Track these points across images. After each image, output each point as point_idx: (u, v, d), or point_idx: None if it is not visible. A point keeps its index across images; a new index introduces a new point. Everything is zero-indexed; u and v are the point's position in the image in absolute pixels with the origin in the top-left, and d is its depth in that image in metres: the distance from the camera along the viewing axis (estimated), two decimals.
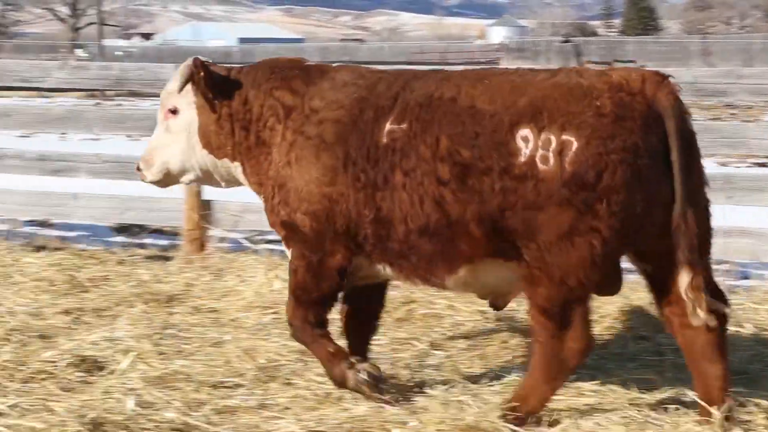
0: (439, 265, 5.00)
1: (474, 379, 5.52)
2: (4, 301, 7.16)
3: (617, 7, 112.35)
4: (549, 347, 4.83)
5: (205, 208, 9.02)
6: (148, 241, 9.93)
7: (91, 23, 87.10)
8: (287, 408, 5.25)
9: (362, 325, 5.54)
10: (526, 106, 4.76)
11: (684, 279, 4.69)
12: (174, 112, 5.53)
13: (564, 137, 4.67)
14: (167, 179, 5.67)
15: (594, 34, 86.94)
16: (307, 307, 5.27)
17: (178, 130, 5.53)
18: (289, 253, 5.34)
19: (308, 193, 5.14)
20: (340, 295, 5.34)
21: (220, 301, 7.36)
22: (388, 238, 5.04)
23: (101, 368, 5.67)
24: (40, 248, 9.09)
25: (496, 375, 5.45)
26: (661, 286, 4.92)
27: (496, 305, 5.44)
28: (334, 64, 5.47)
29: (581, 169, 4.64)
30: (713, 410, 4.82)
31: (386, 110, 5.06)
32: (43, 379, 5.52)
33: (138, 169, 5.68)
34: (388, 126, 5.02)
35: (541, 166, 4.69)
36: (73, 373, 5.60)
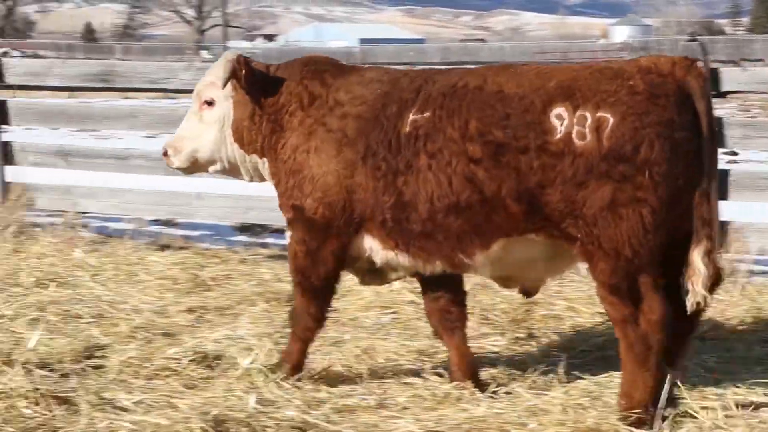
0: (472, 241, 5.16)
1: (595, 381, 5.44)
2: (130, 299, 7.30)
3: (745, 5, 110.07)
4: (630, 328, 4.91)
5: None
6: (269, 240, 10.03)
7: (216, 25, 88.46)
8: (406, 408, 5.26)
9: (447, 320, 5.62)
10: (556, 87, 4.98)
11: (699, 250, 4.87)
12: (210, 103, 5.71)
13: (600, 114, 4.87)
14: (193, 167, 5.87)
15: (721, 32, 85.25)
16: (310, 297, 5.54)
17: (211, 122, 5.70)
18: (288, 235, 5.58)
19: (324, 183, 5.38)
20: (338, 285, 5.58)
21: (339, 301, 7.40)
22: (409, 220, 5.23)
23: (224, 366, 5.73)
24: (164, 247, 9.25)
25: (618, 378, 5.36)
26: (680, 260, 5.00)
27: (527, 292, 5.59)
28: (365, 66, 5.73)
29: (618, 143, 4.83)
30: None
31: (409, 103, 5.29)
32: (167, 376, 5.60)
33: (165, 154, 5.84)
34: (411, 117, 5.25)
35: (578, 142, 4.88)
36: (196, 370, 5.67)
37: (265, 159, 5.67)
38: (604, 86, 4.92)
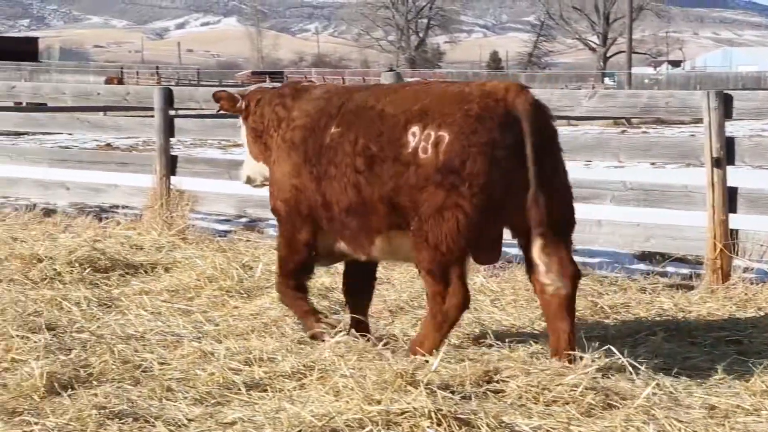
0: (362, 238, 6.26)
1: None
2: (528, 325, 7.35)
3: None
4: (436, 302, 5.98)
5: (730, 237, 8.79)
6: (670, 269, 9.83)
7: (620, 52, 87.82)
8: None
9: (358, 294, 6.79)
10: (417, 108, 5.95)
11: (536, 247, 5.90)
12: (240, 127, 7.00)
13: (440, 132, 5.81)
14: (249, 182, 7.13)
15: None
16: (287, 276, 6.67)
17: (242, 141, 7.02)
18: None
19: (282, 184, 6.54)
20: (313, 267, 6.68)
21: (743, 333, 7.12)
22: (331, 218, 6.33)
23: (622, 395, 5.64)
24: None
25: None
26: (529, 256, 6.00)
27: None
28: (317, 84, 6.94)
29: (450, 157, 5.76)
30: (564, 357, 5.96)
31: (333, 117, 6.32)
32: (565, 403, 5.58)
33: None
34: (332, 130, 6.28)
35: (422, 155, 5.84)
36: (595, 399, 5.60)
37: (267, 166, 6.80)
38: (447, 109, 5.85)
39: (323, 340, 6.49)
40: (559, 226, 5.91)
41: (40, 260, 8.91)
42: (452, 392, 5.53)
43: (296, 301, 6.72)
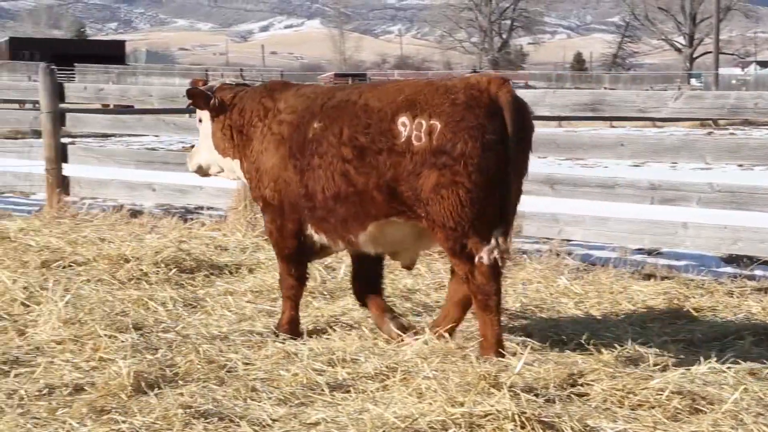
0: (352, 224, 6.54)
1: None
2: (612, 328, 7.29)
3: None
4: (470, 283, 6.24)
5: None
6: (758, 272, 9.67)
7: (707, 52, 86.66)
8: None
9: (366, 287, 7.08)
10: (403, 100, 6.30)
11: (500, 240, 6.18)
12: (200, 121, 7.42)
13: (432, 122, 6.17)
14: (201, 171, 7.60)
15: None
16: (288, 262, 7.06)
17: (203, 136, 7.43)
18: (263, 219, 7.17)
19: (272, 174, 6.90)
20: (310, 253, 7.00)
21: None
22: (314, 207, 6.68)
23: (709, 400, 5.56)
24: (648, 276, 9.17)
25: None
26: None
27: (407, 266, 7.07)
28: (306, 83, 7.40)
29: (442, 142, 6.12)
30: (444, 334, 6.51)
31: (316, 114, 6.70)
32: (651, 407, 5.52)
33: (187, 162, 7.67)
34: (314, 124, 6.66)
35: (416, 143, 6.20)
36: (681, 403, 5.53)
37: (236, 160, 7.24)
38: (435, 100, 6.22)
39: (296, 333, 6.95)
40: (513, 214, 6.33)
41: (127, 261, 9.04)
42: (536, 395, 5.50)
43: (291, 295, 7.09)
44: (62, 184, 13.13)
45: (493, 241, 6.16)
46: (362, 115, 6.42)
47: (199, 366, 6.17)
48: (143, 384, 5.76)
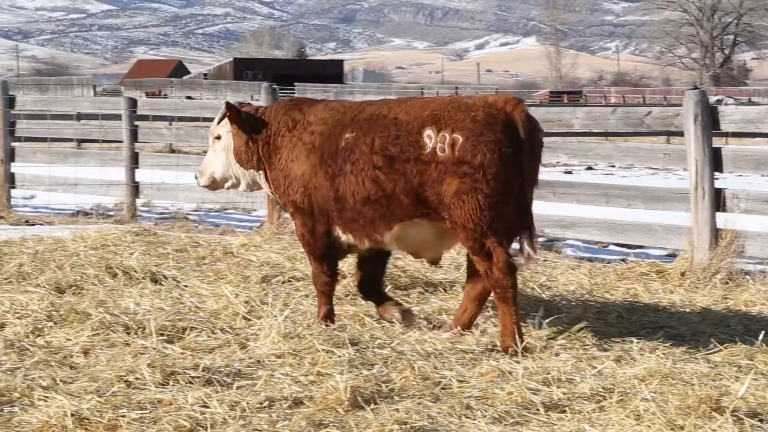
0: (379, 224, 7.30)
1: None
2: None
3: None
4: (489, 278, 7.05)
5: None
6: None
7: None
8: None
9: (371, 284, 7.90)
10: (429, 115, 7.15)
11: (525, 243, 7.10)
12: (218, 138, 8.00)
13: (454, 135, 7.02)
14: (213, 185, 8.22)
15: None
16: (320, 261, 7.68)
17: (220, 150, 8.01)
18: (294, 223, 7.85)
19: (302, 181, 7.57)
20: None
21: None
22: (344, 209, 7.39)
23: None
24: None
25: None
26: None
27: (433, 261, 8.06)
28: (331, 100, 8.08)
29: (464, 154, 6.97)
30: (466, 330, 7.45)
31: (347, 125, 7.44)
32: None
33: (196, 177, 8.23)
34: (346, 135, 7.39)
35: (440, 154, 7.04)
36: None
37: (260, 171, 7.88)
38: (457, 116, 7.06)
39: (331, 322, 7.59)
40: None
41: (343, 277, 9.18)
42: (760, 420, 5.31)
43: (325, 290, 7.71)
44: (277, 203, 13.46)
45: (523, 247, 7.06)
46: (392, 127, 7.22)
47: (414, 382, 6.20)
48: (360, 399, 5.83)
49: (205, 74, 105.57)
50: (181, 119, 24.13)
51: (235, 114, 7.87)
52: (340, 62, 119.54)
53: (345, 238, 7.54)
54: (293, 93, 67.78)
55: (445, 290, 9.19)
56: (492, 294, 7.15)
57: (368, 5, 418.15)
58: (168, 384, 6.18)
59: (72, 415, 5.52)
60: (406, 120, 7.21)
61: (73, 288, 8.78)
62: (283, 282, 9.29)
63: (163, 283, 9.05)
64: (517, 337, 6.93)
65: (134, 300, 8.11)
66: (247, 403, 5.80)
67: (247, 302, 8.19)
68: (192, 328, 7.43)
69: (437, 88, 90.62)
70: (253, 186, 8.11)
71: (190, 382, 6.19)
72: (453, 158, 6.99)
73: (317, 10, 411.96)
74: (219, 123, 7.99)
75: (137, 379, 6.22)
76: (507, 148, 6.96)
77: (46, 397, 5.83)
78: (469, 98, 7.24)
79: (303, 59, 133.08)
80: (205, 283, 8.95)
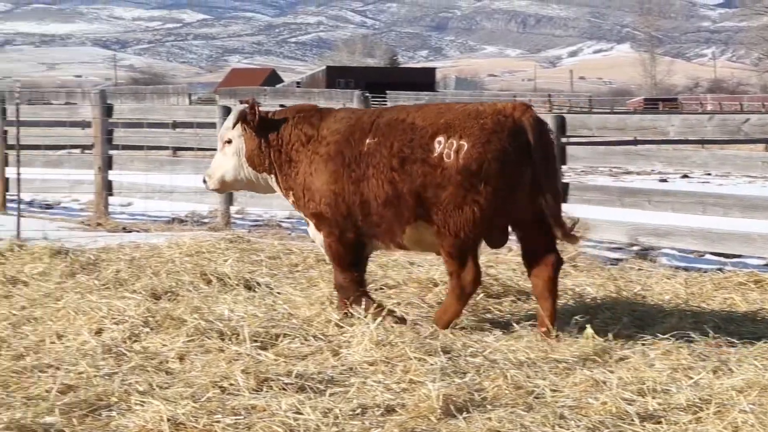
0: (396, 227, 7.62)
1: None
2: None
3: None
4: (455, 279, 7.50)
5: None
6: None
7: None
8: None
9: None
10: (443, 122, 7.45)
11: (557, 231, 7.47)
12: (229, 142, 8.21)
13: (461, 142, 7.33)
14: (223, 188, 8.59)
15: None
16: (349, 270, 7.84)
17: (231, 154, 8.22)
18: (319, 235, 7.97)
19: (323, 191, 7.79)
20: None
21: None
22: (369, 213, 7.66)
23: None
24: None
25: None
26: (526, 246, 7.65)
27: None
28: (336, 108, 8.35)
29: (468, 162, 7.28)
30: (551, 329, 7.48)
31: (367, 131, 7.73)
32: None
33: (204, 180, 8.42)
34: (367, 140, 7.68)
35: (446, 159, 7.34)
36: None
37: (272, 175, 8.14)
38: (466, 123, 7.35)
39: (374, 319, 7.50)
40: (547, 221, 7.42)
41: (435, 284, 9.18)
42: None
43: (359, 297, 7.82)
44: None
45: (558, 236, 7.49)
46: (409, 131, 7.54)
47: (506, 391, 6.17)
48: (452, 407, 5.82)
49: (298, 83, 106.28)
50: None
51: (253, 117, 8.09)
52: (432, 70, 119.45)
53: (372, 243, 7.87)
54: (385, 101, 68.06)
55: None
56: (453, 286, 7.54)
57: (461, 13, 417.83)
58: (261, 390, 6.23)
59: (168, 419, 5.60)
60: (422, 125, 7.52)
61: (169, 294, 8.89)
62: (375, 289, 9.30)
63: (256, 289, 9.12)
64: (447, 327, 7.56)
65: (228, 306, 8.19)
66: (340, 410, 5.82)
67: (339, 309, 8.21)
68: (285, 334, 7.47)
69: (529, 96, 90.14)
70: (266, 189, 8.39)
71: (284, 389, 6.23)
72: (457, 165, 7.30)
73: (409, 18, 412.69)
74: (234, 125, 8.20)
75: (231, 385, 6.28)
76: (512, 156, 7.28)
77: (143, 401, 5.92)
78: (480, 105, 7.55)
79: (395, 67, 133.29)
80: (298, 290, 9.01)
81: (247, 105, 8.19)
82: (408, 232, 7.62)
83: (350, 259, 7.87)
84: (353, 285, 7.87)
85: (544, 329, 7.50)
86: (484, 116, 7.35)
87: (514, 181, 7.34)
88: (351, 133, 7.78)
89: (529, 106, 7.51)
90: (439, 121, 7.48)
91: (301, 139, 7.97)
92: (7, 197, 17.15)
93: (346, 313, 7.79)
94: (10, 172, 16.14)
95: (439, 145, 7.38)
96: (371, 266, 10.17)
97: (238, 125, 8.19)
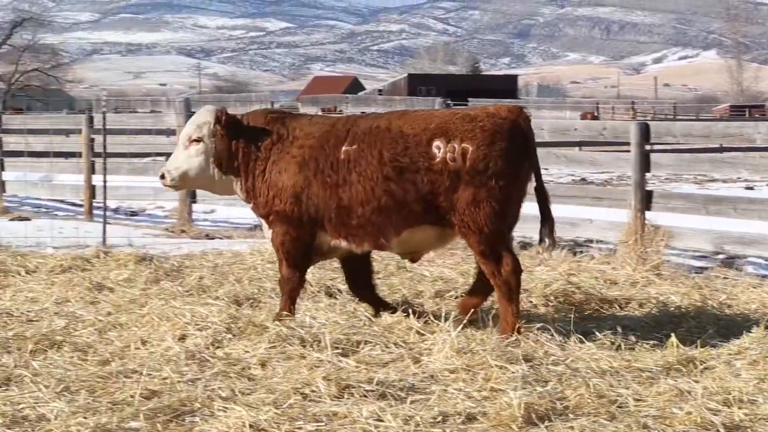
0: (389, 231, 7.76)
1: None
2: None
3: None
4: (496, 278, 7.63)
5: None
6: None
7: None
8: None
9: (359, 281, 8.38)
10: (435, 127, 7.64)
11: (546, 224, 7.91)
12: (197, 140, 8.22)
13: (464, 145, 7.55)
14: (181, 185, 8.57)
15: None
16: (294, 266, 8.06)
17: (197, 153, 8.24)
18: (270, 232, 8.12)
19: (293, 191, 7.91)
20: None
21: None
22: (349, 217, 7.79)
23: None
24: None
25: None
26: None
27: (413, 259, 8.39)
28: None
29: (475, 162, 7.54)
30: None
31: (342, 138, 7.86)
32: None
33: (161, 176, 8.37)
34: (344, 147, 7.82)
35: (451, 163, 7.55)
36: None
37: (239, 178, 8.20)
38: (465, 126, 7.60)
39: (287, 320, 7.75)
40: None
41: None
42: None
43: (293, 291, 8.09)
44: None
45: (544, 237, 7.90)
46: (400, 140, 7.66)
47: (589, 400, 6.12)
48: (534, 416, 5.79)
49: (379, 90, 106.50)
50: None
51: (226, 120, 8.15)
52: (514, 77, 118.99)
53: (337, 243, 7.97)
54: None
55: (620, 307, 9.05)
56: (497, 286, 7.65)
57: (543, 20, 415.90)
58: (343, 397, 6.25)
59: (250, 426, 5.65)
60: (412, 132, 7.67)
61: (251, 301, 8.96)
62: (456, 297, 9.28)
63: (337, 296, 9.14)
64: (515, 330, 7.53)
65: (310, 313, 8.22)
66: (421, 418, 5.82)
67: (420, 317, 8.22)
68: (366, 341, 7.48)
69: (612, 103, 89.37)
70: (223, 190, 8.48)
71: (365, 396, 6.24)
72: (465, 167, 7.54)
73: (492, 26, 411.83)
74: (214, 125, 8.20)
75: (313, 391, 6.31)
76: (514, 155, 7.62)
77: (226, 407, 5.97)
78: (471, 110, 7.80)
79: (476, 75, 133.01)
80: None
81: (215, 109, 8.31)
82: (405, 235, 7.80)
83: (299, 258, 8.05)
84: (293, 281, 8.09)
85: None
86: (481, 119, 7.62)
87: (520, 174, 7.69)
88: (326, 139, 7.91)
89: (521, 108, 7.86)
90: (430, 126, 7.67)
91: (272, 138, 8.07)
92: (94, 205, 17.39)
93: (286, 306, 8.11)
94: (97, 179, 16.37)
95: (439, 150, 7.59)
96: (452, 273, 10.18)
97: (210, 126, 8.22)
